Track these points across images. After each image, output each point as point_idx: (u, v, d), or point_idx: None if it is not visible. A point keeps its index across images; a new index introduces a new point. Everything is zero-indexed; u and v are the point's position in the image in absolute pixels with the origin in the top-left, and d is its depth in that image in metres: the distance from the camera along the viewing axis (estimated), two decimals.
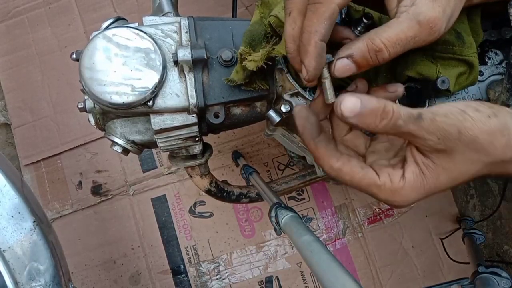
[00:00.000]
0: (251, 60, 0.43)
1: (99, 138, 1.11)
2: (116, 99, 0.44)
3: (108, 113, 0.50)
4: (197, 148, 0.54)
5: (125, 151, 0.52)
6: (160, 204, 1.10)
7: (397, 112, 0.31)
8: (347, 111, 0.31)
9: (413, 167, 0.34)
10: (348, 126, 0.39)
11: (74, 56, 0.48)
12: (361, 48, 0.34)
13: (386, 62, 0.35)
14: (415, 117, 0.31)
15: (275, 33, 0.44)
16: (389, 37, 0.33)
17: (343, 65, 0.35)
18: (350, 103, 0.31)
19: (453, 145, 0.32)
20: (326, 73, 0.36)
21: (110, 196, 1.10)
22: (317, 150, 0.35)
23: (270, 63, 0.43)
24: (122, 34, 0.45)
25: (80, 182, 1.11)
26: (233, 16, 0.85)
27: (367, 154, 0.39)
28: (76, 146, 1.11)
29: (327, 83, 0.36)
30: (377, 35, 0.33)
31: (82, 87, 0.46)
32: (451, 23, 0.35)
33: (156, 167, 1.10)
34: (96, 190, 1.10)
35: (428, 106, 0.49)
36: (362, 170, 0.35)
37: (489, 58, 0.53)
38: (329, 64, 0.36)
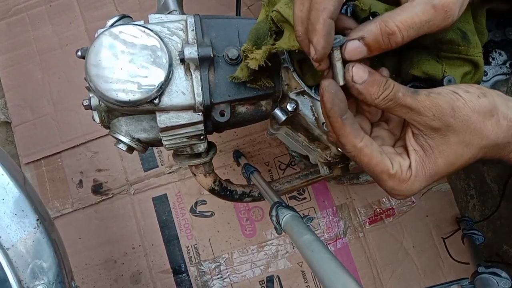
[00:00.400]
0: (252, 58, 0.43)
1: (100, 137, 1.10)
2: (122, 96, 0.44)
3: (113, 111, 0.50)
4: (202, 147, 0.54)
5: (130, 149, 0.52)
6: (161, 203, 1.10)
7: (397, 85, 0.34)
8: (357, 76, 0.34)
9: (413, 155, 0.36)
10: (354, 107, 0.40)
11: (79, 53, 0.47)
12: (373, 30, 0.33)
13: (395, 49, 0.34)
14: (412, 92, 0.34)
15: (277, 28, 0.43)
16: (404, 20, 0.32)
17: (354, 47, 0.34)
18: (361, 70, 0.34)
19: (448, 122, 0.34)
20: (337, 55, 0.35)
21: (111, 195, 1.09)
22: (343, 127, 0.35)
23: (271, 63, 0.43)
24: (129, 31, 0.45)
25: (80, 181, 1.11)
26: (237, 15, 0.85)
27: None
28: (77, 145, 1.11)
29: (338, 65, 0.36)
30: (390, 18, 0.33)
31: (87, 84, 0.45)
32: (463, 10, 0.35)
33: (157, 166, 1.10)
34: (97, 189, 1.10)
35: None
36: (381, 155, 0.36)
37: (493, 58, 0.54)
38: (341, 46, 0.35)
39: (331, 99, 0.35)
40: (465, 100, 0.33)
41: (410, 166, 0.36)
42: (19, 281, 0.53)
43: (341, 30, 0.39)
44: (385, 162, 0.36)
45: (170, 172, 1.10)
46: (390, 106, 0.35)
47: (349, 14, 0.47)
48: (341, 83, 0.36)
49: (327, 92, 0.35)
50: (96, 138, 1.11)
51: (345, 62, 0.36)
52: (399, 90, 0.34)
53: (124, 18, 0.51)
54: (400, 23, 0.33)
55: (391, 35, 0.33)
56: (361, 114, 0.40)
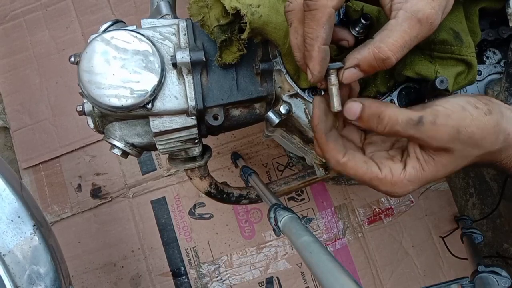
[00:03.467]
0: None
1: (98, 141, 1.10)
2: (115, 102, 0.44)
3: (107, 116, 0.50)
4: (196, 150, 0.54)
5: (124, 154, 0.52)
6: (159, 206, 1.10)
7: (394, 118, 0.35)
8: (350, 115, 0.36)
9: (414, 162, 0.36)
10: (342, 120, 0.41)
11: (72, 59, 0.48)
12: (367, 58, 0.34)
13: None
14: (415, 122, 0.34)
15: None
16: (395, 42, 0.34)
17: (350, 75, 0.36)
18: (354, 107, 0.36)
19: (453, 145, 0.34)
20: (334, 79, 0.37)
21: (110, 199, 1.10)
22: (327, 144, 0.37)
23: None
24: (121, 37, 0.45)
25: (79, 185, 1.11)
26: None
27: (364, 146, 0.41)
28: (75, 149, 1.11)
29: (334, 90, 0.37)
30: (383, 42, 0.34)
31: (81, 90, 0.45)
32: (445, 14, 0.36)
33: (156, 169, 1.10)
34: (96, 193, 1.10)
35: None
36: (366, 164, 0.37)
37: (487, 58, 0.54)
38: (338, 70, 0.37)
39: (319, 114, 0.37)
40: (472, 117, 0.34)
41: (404, 169, 0.36)
42: (16, 287, 0.53)
43: (336, 41, 0.40)
44: (372, 169, 0.37)
45: (169, 175, 1.10)
46: (391, 135, 0.36)
47: (341, 15, 0.47)
48: (336, 109, 0.37)
49: (316, 108, 0.37)
50: (94, 142, 1.11)
51: (342, 85, 0.37)
52: (397, 123, 0.34)
53: (117, 23, 0.51)
54: (393, 45, 0.34)
55: (385, 60, 0.34)
56: (350, 126, 0.41)
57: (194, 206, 1.09)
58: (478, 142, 0.35)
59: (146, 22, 0.49)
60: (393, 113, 0.34)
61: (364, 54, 0.34)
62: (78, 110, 0.50)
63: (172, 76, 0.46)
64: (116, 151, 0.51)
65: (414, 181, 0.36)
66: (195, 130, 0.49)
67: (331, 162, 0.38)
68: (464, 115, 0.34)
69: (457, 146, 0.34)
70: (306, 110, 0.49)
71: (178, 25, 0.48)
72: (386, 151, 0.40)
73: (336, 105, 0.37)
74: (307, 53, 0.36)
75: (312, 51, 0.35)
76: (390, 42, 0.33)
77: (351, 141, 0.41)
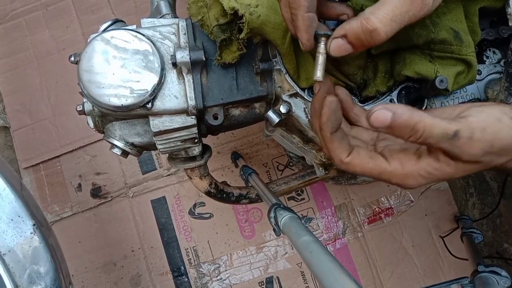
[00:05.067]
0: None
1: (98, 141, 1.10)
2: (115, 101, 0.44)
3: (107, 116, 0.50)
4: (196, 150, 0.54)
5: (124, 153, 0.52)
6: (159, 205, 1.10)
7: (429, 130, 0.32)
8: (378, 123, 0.32)
9: (432, 161, 0.34)
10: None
11: (72, 58, 0.48)
12: (354, 28, 0.34)
13: (382, 43, 0.35)
14: (450, 136, 0.32)
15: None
16: (385, 14, 0.33)
17: (338, 46, 0.36)
18: (381, 116, 0.32)
19: (483, 158, 0.33)
20: (322, 48, 0.37)
21: (110, 198, 1.10)
22: (332, 143, 0.37)
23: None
24: (120, 36, 0.45)
25: (79, 185, 1.11)
26: None
27: (376, 142, 0.40)
28: (75, 149, 1.11)
29: (321, 58, 0.37)
30: (372, 14, 0.34)
31: (81, 90, 0.46)
32: (439, 1, 0.36)
33: (156, 169, 1.10)
34: (96, 192, 1.10)
35: (426, 105, 0.49)
36: (372, 160, 0.36)
37: (487, 57, 0.54)
38: (327, 38, 0.37)
39: (328, 114, 0.36)
40: (508, 128, 0.32)
41: (417, 161, 0.35)
42: (16, 286, 0.53)
43: (336, 17, 0.40)
44: (378, 163, 0.36)
45: (169, 175, 1.10)
46: (420, 144, 0.34)
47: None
48: (317, 78, 0.37)
49: (327, 107, 0.36)
50: (94, 142, 1.11)
51: (329, 56, 0.37)
52: (431, 136, 0.32)
53: (117, 22, 0.51)
54: (383, 17, 0.33)
55: (373, 31, 0.33)
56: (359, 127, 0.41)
57: (194, 205, 1.09)
58: (508, 152, 0.33)
59: (146, 22, 0.49)
60: (427, 125, 0.32)
61: (352, 25, 0.34)
62: (78, 109, 0.50)
63: (172, 75, 0.46)
64: (116, 150, 0.51)
65: (427, 177, 0.34)
66: (195, 130, 0.49)
67: (335, 161, 0.37)
68: (500, 128, 0.32)
69: (486, 158, 0.33)
70: (306, 110, 0.49)
71: (178, 24, 0.48)
72: (399, 144, 0.38)
73: (319, 74, 0.37)
74: (294, 24, 0.36)
75: (296, 20, 0.36)
76: (379, 14, 0.33)
77: (361, 138, 0.40)
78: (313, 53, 0.44)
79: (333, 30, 0.37)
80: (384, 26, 0.33)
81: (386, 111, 0.32)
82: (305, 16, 0.35)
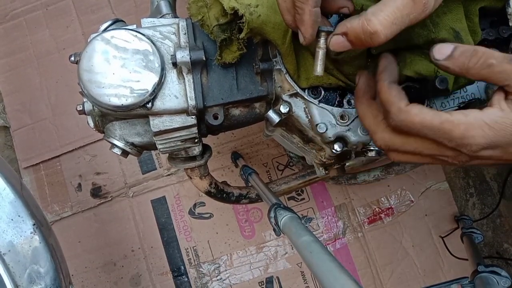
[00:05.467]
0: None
1: (98, 140, 1.10)
2: (115, 101, 0.44)
3: (107, 115, 0.50)
4: (196, 150, 0.54)
5: (124, 153, 0.52)
6: (159, 205, 1.10)
7: (489, 52, 0.33)
8: (439, 55, 0.34)
9: (496, 110, 0.34)
10: None
11: (72, 58, 0.48)
12: (355, 29, 0.34)
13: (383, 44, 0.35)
14: (511, 58, 0.32)
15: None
16: (386, 16, 0.33)
17: (337, 42, 0.36)
18: (444, 47, 0.34)
19: None
20: (322, 43, 0.37)
21: (110, 198, 1.10)
22: (390, 91, 0.37)
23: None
24: (121, 36, 0.45)
25: (79, 185, 1.11)
26: None
27: None
28: (75, 148, 1.11)
29: (321, 53, 0.37)
30: (374, 15, 0.33)
31: (81, 90, 0.46)
32: (439, 2, 0.36)
33: (156, 169, 1.10)
34: (96, 192, 1.10)
35: (426, 105, 0.49)
36: (431, 110, 0.35)
37: None
38: (328, 34, 0.37)
39: (385, 63, 0.38)
40: None
41: (481, 112, 0.34)
42: (16, 286, 0.53)
43: (336, 10, 0.40)
44: (441, 114, 0.34)
45: (169, 175, 1.10)
46: (483, 74, 0.34)
47: (341, 15, 0.47)
48: (318, 73, 0.38)
49: (383, 56, 0.39)
50: (94, 142, 1.11)
51: (329, 52, 0.38)
52: (492, 57, 0.33)
53: (117, 22, 0.51)
54: (384, 20, 0.33)
55: (373, 34, 0.33)
56: None
57: (194, 205, 1.09)
58: None
59: (146, 22, 0.49)
60: (487, 49, 0.33)
61: (353, 24, 0.34)
62: (78, 109, 0.50)
63: (172, 75, 0.46)
64: (116, 150, 0.51)
65: (493, 126, 0.33)
66: (195, 130, 0.49)
67: (392, 109, 0.36)
68: None
69: None
70: (306, 110, 0.49)
71: (178, 24, 0.48)
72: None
73: (319, 69, 0.38)
74: (298, 17, 0.36)
75: (303, 14, 0.35)
76: (381, 16, 0.33)
77: None
78: (311, 48, 0.44)
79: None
80: (384, 29, 0.33)
81: (447, 44, 0.34)
82: (312, 10, 0.35)
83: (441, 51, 0.34)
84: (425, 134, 0.35)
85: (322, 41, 0.37)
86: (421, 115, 0.35)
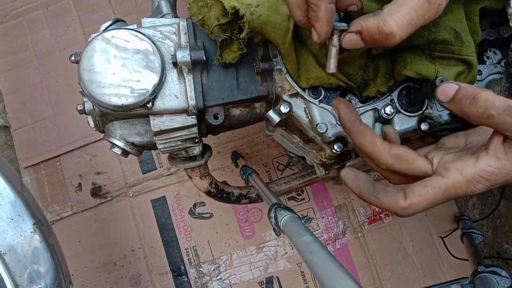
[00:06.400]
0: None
1: (98, 140, 1.10)
2: (115, 101, 0.44)
3: (108, 115, 0.50)
4: (196, 149, 0.54)
5: (125, 153, 0.52)
6: (160, 205, 1.10)
7: (491, 101, 0.32)
8: (442, 96, 0.34)
9: (492, 159, 0.34)
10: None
11: (73, 58, 0.48)
12: (371, 28, 0.34)
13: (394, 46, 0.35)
14: None
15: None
16: (402, 17, 0.33)
17: (351, 40, 0.35)
18: (447, 90, 0.34)
19: None
20: (336, 40, 0.37)
21: (110, 198, 1.10)
22: (382, 202, 0.36)
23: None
24: (121, 36, 0.45)
25: (79, 184, 1.11)
26: None
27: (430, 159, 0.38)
28: (76, 148, 1.11)
29: (334, 51, 0.37)
30: (390, 16, 0.33)
31: (81, 89, 0.45)
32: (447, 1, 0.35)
33: (156, 169, 1.10)
34: (96, 192, 1.10)
35: (427, 105, 0.49)
36: (427, 186, 0.35)
37: (488, 57, 0.53)
38: (341, 32, 0.36)
39: (355, 185, 0.37)
40: None
41: (477, 161, 0.34)
42: (16, 285, 0.53)
43: (344, 8, 0.40)
44: (439, 184, 0.34)
45: (169, 174, 1.10)
46: (485, 124, 0.33)
47: (342, 15, 0.47)
48: (331, 70, 0.37)
49: (347, 179, 0.37)
50: (95, 141, 1.11)
51: (341, 49, 0.37)
52: (492, 107, 0.32)
53: (118, 22, 0.51)
54: (400, 21, 0.33)
55: (389, 35, 0.33)
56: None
57: (194, 205, 1.09)
58: None
59: (146, 21, 0.49)
60: (489, 96, 0.32)
61: (369, 23, 0.34)
62: (78, 109, 0.50)
63: (172, 75, 0.46)
64: (116, 150, 0.51)
65: (490, 178, 0.33)
66: (195, 129, 0.49)
67: (398, 212, 0.36)
68: None
69: None
70: (307, 110, 0.49)
71: (178, 24, 0.48)
72: (453, 154, 0.37)
73: (332, 67, 0.37)
74: (313, 14, 0.34)
75: (318, 11, 0.34)
76: (397, 17, 0.32)
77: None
78: (313, 48, 0.44)
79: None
80: (400, 30, 0.33)
81: (452, 84, 0.34)
82: (328, 7, 0.33)
83: (445, 93, 0.34)
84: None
85: (335, 38, 0.36)
86: (423, 199, 0.35)
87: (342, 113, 0.39)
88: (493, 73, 0.53)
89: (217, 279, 1.07)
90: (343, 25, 0.36)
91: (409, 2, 0.33)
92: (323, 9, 0.34)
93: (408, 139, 0.54)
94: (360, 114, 0.48)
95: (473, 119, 0.33)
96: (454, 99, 0.34)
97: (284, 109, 0.48)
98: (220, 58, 0.47)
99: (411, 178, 0.38)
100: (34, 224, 0.56)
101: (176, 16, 0.56)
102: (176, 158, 0.57)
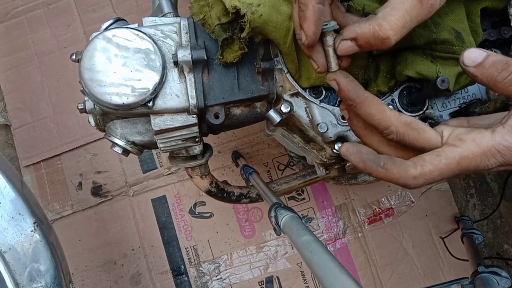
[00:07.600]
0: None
1: (99, 139, 1.11)
2: (116, 100, 0.44)
3: (108, 114, 0.50)
4: (197, 149, 0.54)
5: (125, 152, 0.52)
6: (160, 204, 1.10)
7: None
8: (468, 60, 0.32)
9: (509, 134, 0.32)
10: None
11: (74, 57, 0.48)
12: (366, 34, 0.33)
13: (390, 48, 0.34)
14: None
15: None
16: (397, 20, 0.33)
17: (346, 47, 0.35)
18: (475, 53, 0.32)
19: None
20: (330, 40, 0.36)
21: (110, 197, 1.10)
22: (390, 172, 0.34)
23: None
24: (122, 35, 0.45)
25: (80, 183, 1.11)
26: None
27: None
28: (76, 147, 1.11)
29: (331, 51, 0.37)
30: (384, 20, 0.33)
31: (82, 88, 0.46)
32: (443, 2, 0.35)
33: (156, 168, 1.10)
34: (96, 191, 1.10)
35: (428, 105, 0.49)
36: (440, 155, 0.33)
37: None
38: (334, 31, 0.36)
39: (358, 159, 0.34)
40: None
41: (494, 134, 0.33)
42: (16, 284, 0.53)
43: (343, 25, 0.40)
44: (453, 154, 0.33)
45: (169, 174, 1.10)
46: (510, 92, 0.32)
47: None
48: (334, 69, 0.37)
49: (350, 155, 0.35)
50: (95, 140, 1.11)
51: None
52: None
53: (119, 21, 0.51)
54: (395, 24, 0.33)
55: (385, 39, 0.33)
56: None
57: (195, 205, 1.09)
58: None
59: (147, 21, 0.49)
60: None
61: (363, 29, 0.33)
62: (79, 108, 0.50)
63: (173, 74, 0.47)
64: (117, 149, 0.51)
65: (505, 153, 0.32)
66: (196, 129, 0.49)
67: (408, 182, 0.34)
68: None
69: None
70: (307, 109, 0.49)
71: (179, 23, 0.48)
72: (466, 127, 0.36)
73: (333, 65, 0.37)
74: (301, 13, 0.34)
75: (306, 10, 0.34)
76: (391, 21, 0.32)
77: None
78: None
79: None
80: (395, 34, 0.33)
81: (479, 50, 0.32)
82: (316, 7, 0.33)
83: (471, 57, 0.32)
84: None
85: (329, 38, 0.36)
86: (438, 170, 0.33)
87: (343, 84, 0.36)
88: None
89: (217, 279, 1.07)
90: (332, 24, 0.36)
91: (402, 4, 0.33)
92: (311, 8, 0.33)
93: None
94: None
95: (500, 85, 0.32)
96: (483, 63, 0.32)
97: (284, 108, 0.48)
98: (221, 57, 0.47)
99: (418, 152, 0.36)
100: (34, 222, 0.56)
101: (177, 15, 0.56)
102: (177, 157, 0.58)
